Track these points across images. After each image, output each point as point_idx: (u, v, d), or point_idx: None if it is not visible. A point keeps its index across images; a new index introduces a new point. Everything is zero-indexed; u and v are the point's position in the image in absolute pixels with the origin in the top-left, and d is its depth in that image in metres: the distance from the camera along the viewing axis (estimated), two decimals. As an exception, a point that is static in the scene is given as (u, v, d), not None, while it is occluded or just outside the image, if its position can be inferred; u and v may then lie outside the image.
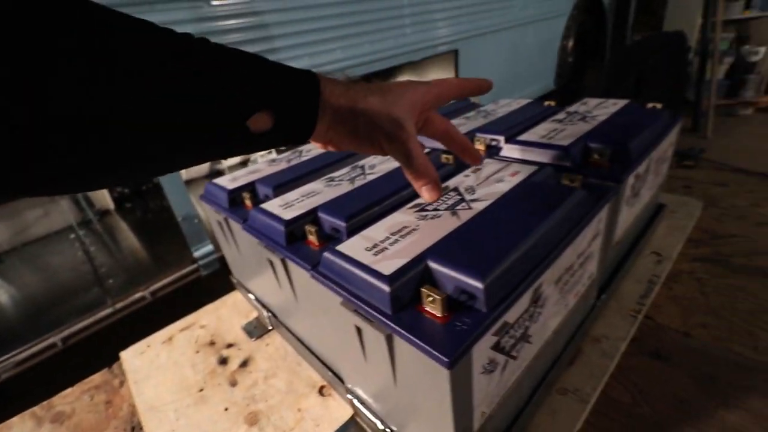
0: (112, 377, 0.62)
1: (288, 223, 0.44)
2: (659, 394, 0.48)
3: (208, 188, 0.62)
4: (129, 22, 0.23)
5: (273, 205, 0.48)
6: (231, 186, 0.58)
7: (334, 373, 0.49)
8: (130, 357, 0.64)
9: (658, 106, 0.62)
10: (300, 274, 0.42)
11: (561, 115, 0.63)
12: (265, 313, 0.63)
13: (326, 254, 0.37)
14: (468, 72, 2.05)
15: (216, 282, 1.11)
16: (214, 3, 1.08)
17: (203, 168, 1.89)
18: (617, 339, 0.52)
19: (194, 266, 1.37)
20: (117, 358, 0.65)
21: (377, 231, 0.38)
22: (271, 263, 0.47)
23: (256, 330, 0.65)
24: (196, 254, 1.35)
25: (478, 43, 2.08)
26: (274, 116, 0.27)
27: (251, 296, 0.67)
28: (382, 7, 1.56)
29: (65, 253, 1.58)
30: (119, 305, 1.25)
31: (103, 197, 1.83)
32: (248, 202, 0.55)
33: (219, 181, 0.61)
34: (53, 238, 1.70)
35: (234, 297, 0.75)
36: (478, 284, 0.29)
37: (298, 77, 0.29)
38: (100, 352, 0.84)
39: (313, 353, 0.54)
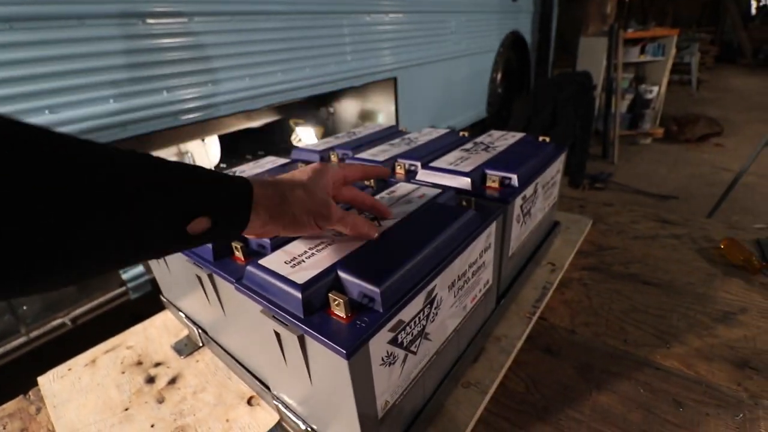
0: (28, 404, 0.59)
1: (216, 241, 0.47)
2: (548, 382, 0.56)
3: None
4: (71, 144, 0.24)
5: (202, 224, 0.51)
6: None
7: (262, 383, 0.52)
8: (48, 381, 0.62)
9: (547, 139, 0.73)
10: (226, 287, 0.45)
11: (469, 145, 0.72)
12: (196, 330, 0.64)
13: (249, 267, 0.41)
14: (406, 97, 2.19)
15: (145, 306, 1.08)
16: (150, 21, 1.08)
17: None
18: (514, 337, 0.60)
19: (122, 289, 1.30)
20: (34, 384, 0.62)
21: (297, 246, 0.43)
22: (200, 279, 0.50)
23: (186, 348, 0.66)
24: (125, 276, 1.29)
25: (416, 71, 2.23)
26: (212, 220, 0.31)
27: (182, 314, 0.68)
28: (322, 34, 1.63)
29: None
30: (34, 333, 1.16)
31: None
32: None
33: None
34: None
35: (163, 317, 0.75)
36: (375, 288, 0.34)
37: (233, 185, 0.33)
38: (14, 380, 0.78)
39: (242, 365, 0.56)
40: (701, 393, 0.53)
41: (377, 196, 0.54)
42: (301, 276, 0.37)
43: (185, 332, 0.69)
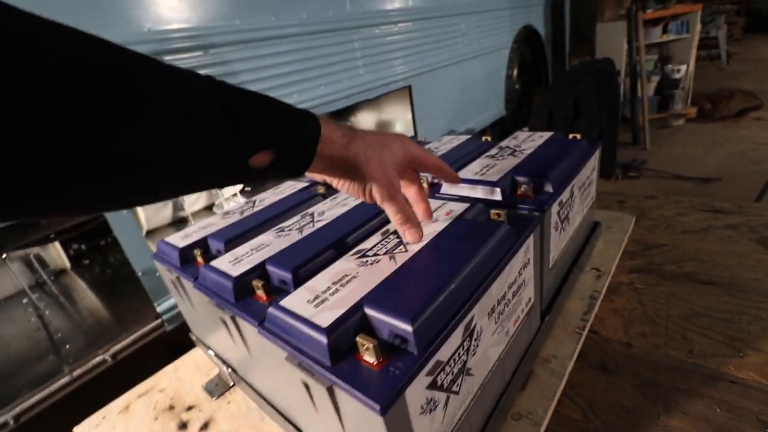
0: (63, 457, 0.59)
1: (236, 280, 0.45)
2: (607, 405, 0.51)
3: (160, 247, 0.62)
4: (154, 65, 0.25)
5: (222, 262, 0.49)
6: (182, 244, 0.58)
7: (295, 426, 0.49)
8: (84, 431, 0.61)
9: (578, 136, 0.68)
10: (250, 330, 0.43)
11: (494, 151, 0.68)
12: (225, 369, 0.63)
13: (270, 310, 0.38)
14: (422, 104, 2.16)
15: (183, 336, 1.08)
16: (167, 58, 1.10)
17: (165, 216, 1.86)
18: (564, 357, 0.55)
19: (158, 321, 1.32)
20: (70, 433, 0.62)
21: (320, 282, 0.40)
22: (223, 320, 0.48)
23: (217, 388, 0.64)
24: (160, 309, 1.31)
25: (429, 78, 2.20)
26: (274, 156, 0.31)
27: (211, 352, 0.66)
28: (334, 51, 1.63)
29: (17, 320, 1.49)
30: (77, 372, 1.18)
31: (58, 256, 1.76)
32: (200, 259, 0.55)
33: (170, 239, 0.62)
34: (4, 305, 1.60)
35: (194, 355, 0.74)
36: (407, 327, 0.31)
37: (302, 123, 0.33)
38: (56, 426, 0.78)
39: (273, 407, 0.53)
40: (792, 410, 0.46)
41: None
42: (326, 317, 0.34)
43: (216, 370, 0.68)
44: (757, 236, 0.74)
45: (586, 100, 2.11)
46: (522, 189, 0.54)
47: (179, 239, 0.60)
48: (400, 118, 2.28)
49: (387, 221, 0.52)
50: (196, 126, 0.26)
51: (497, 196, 0.54)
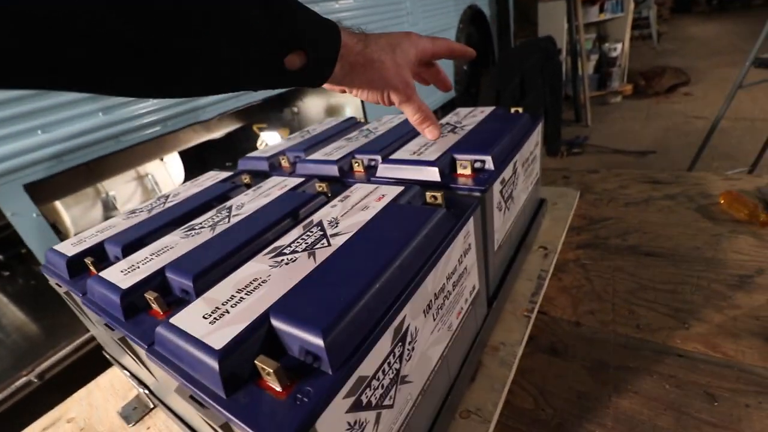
0: None
1: (125, 294, 0.37)
2: (559, 391, 0.48)
3: (48, 257, 0.52)
4: None
5: (114, 271, 0.41)
6: (72, 251, 0.49)
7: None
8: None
9: (520, 110, 0.64)
10: (142, 353, 0.35)
11: (434, 128, 0.63)
12: (143, 391, 0.54)
13: (158, 329, 0.31)
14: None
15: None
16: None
17: (95, 218, 1.70)
18: (514, 343, 0.52)
19: (90, 334, 1.18)
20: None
21: (223, 289, 0.33)
22: (116, 342, 0.40)
23: (135, 412, 0.56)
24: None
25: (376, 59, 2.12)
26: (306, 57, 0.33)
27: (126, 372, 0.57)
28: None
29: (-71, 341, 1.29)
30: (-1, 396, 1.03)
31: (-26, 269, 1.54)
32: (93, 269, 0.46)
33: (60, 246, 0.51)
34: None
35: (111, 374, 0.64)
36: (318, 341, 0.25)
37: (327, 27, 0.35)
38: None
39: (195, 432, 0.46)
40: (735, 380, 0.45)
41: (328, 205, 0.44)
42: (221, 336, 0.27)
43: (134, 392, 0.59)
44: (694, 205, 0.75)
45: (531, 79, 2.13)
46: (461, 168, 0.49)
47: (70, 246, 0.51)
48: (350, 102, 2.20)
49: (314, 211, 0.45)
50: (238, 21, 0.28)
51: (435, 176, 0.49)
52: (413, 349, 0.33)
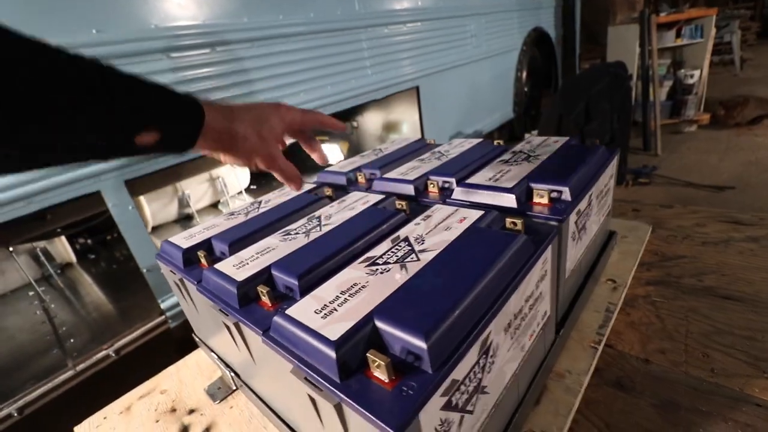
0: (61, 459, 0.57)
1: (240, 285, 0.43)
2: (625, 426, 0.48)
3: (164, 247, 0.61)
4: (39, 48, 0.27)
5: (226, 265, 0.48)
6: (186, 245, 0.57)
7: (299, 436, 0.47)
8: (84, 431, 0.60)
9: (597, 142, 0.66)
10: (254, 338, 0.41)
11: (507, 156, 0.66)
12: (228, 373, 0.61)
13: (276, 318, 0.36)
14: (430, 105, 2.14)
15: (187, 333, 1.08)
16: (174, 55, 1.09)
17: (171, 213, 1.87)
18: (580, 372, 0.52)
19: (162, 318, 1.31)
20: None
21: (328, 290, 0.38)
22: (227, 326, 0.46)
23: (219, 392, 0.63)
24: (164, 305, 1.30)
25: (438, 79, 2.18)
26: (160, 135, 0.34)
27: (214, 355, 0.65)
28: (341, 50, 1.62)
29: (23, 312, 1.49)
30: (81, 367, 1.18)
31: (65, 250, 1.76)
32: (204, 261, 0.54)
33: (174, 239, 0.60)
34: (10, 298, 1.61)
35: (197, 356, 0.72)
36: (422, 343, 0.29)
37: (186, 106, 0.37)
38: (58, 421, 0.77)
39: (278, 416, 0.51)
40: (823, 437, 0.43)
41: (411, 223, 0.49)
42: (334, 330, 0.32)
43: (218, 373, 0.66)
44: (780, 249, 0.71)
45: (598, 104, 2.08)
46: (538, 197, 0.52)
47: (183, 240, 0.59)
48: (407, 119, 2.26)
49: (397, 227, 0.50)
50: (84, 110, 0.29)
51: (512, 203, 0.52)
52: (493, 362, 0.36)
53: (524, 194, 0.54)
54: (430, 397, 0.28)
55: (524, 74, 3.00)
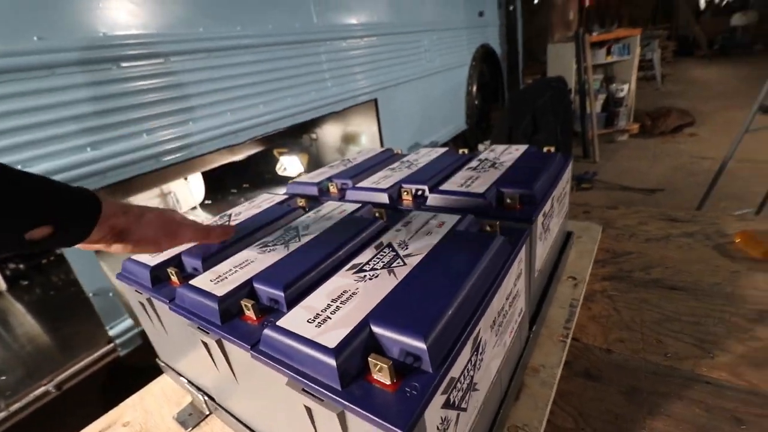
0: None
1: (221, 300, 0.42)
2: (597, 413, 0.52)
3: (127, 266, 0.57)
4: None
5: (203, 281, 0.46)
6: (153, 262, 0.54)
7: (285, 454, 0.46)
8: (32, 480, 0.54)
9: (552, 149, 0.71)
10: (239, 353, 0.40)
11: (474, 163, 0.69)
12: (201, 397, 0.58)
13: (266, 331, 0.35)
14: (388, 117, 2.18)
15: (140, 361, 1.01)
16: (124, 65, 1.04)
17: None
18: (553, 366, 0.55)
19: (110, 346, 1.21)
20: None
21: (318, 299, 0.38)
22: (206, 344, 0.44)
23: (191, 418, 0.59)
24: (113, 332, 1.20)
25: (395, 91, 2.23)
26: (53, 230, 0.34)
27: (183, 379, 0.61)
28: (301, 63, 1.62)
29: (-55, 349, 1.32)
30: (15, 407, 1.05)
31: (-7, 277, 1.58)
32: (175, 279, 0.51)
33: (138, 257, 0.56)
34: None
35: (161, 382, 0.68)
36: (422, 345, 0.30)
37: (82, 202, 0.37)
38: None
39: (259, 435, 0.50)
40: (760, 406, 0.49)
41: (392, 229, 0.50)
42: (331, 337, 0.32)
43: (188, 399, 0.62)
44: (712, 243, 0.80)
45: (543, 117, 2.23)
46: (508, 200, 0.55)
47: (149, 257, 0.56)
48: (365, 131, 2.29)
49: (377, 234, 0.51)
50: None
51: (483, 206, 0.55)
52: (482, 359, 0.38)
53: (495, 198, 0.57)
54: (433, 395, 0.28)
55: (474, 88, 3.16)
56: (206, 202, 2.14)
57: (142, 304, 0.55)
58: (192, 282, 0.46)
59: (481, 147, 3.34)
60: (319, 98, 1.73)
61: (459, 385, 0.33)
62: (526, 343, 0.55)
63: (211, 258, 0.52)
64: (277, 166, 2.38)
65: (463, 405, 0.35)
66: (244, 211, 0.68)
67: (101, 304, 1.15)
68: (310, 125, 2.43)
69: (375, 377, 0.30)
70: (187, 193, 2.01)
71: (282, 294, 0.41)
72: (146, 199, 1.82)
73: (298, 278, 0.42)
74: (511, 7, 3.87)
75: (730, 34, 6.70)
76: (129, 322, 1.22)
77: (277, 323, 0.35)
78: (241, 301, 0.41)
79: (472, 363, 0.35)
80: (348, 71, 1.87)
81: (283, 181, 2.38)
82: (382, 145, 2.21)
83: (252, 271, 0.46)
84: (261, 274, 0.44)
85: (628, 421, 0.50)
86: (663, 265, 0.76)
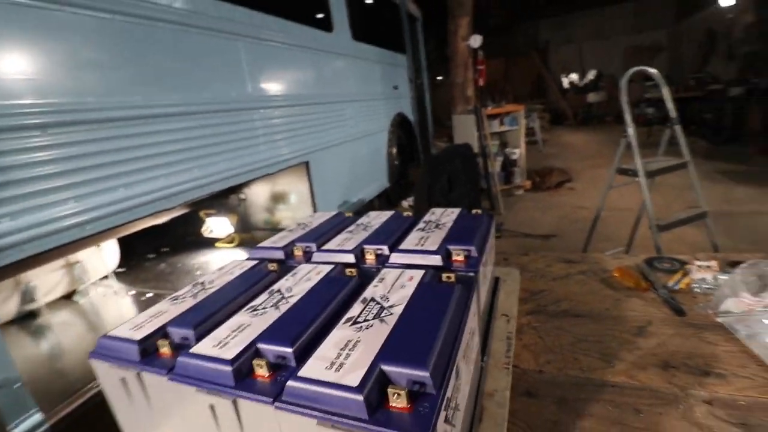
0: None
1: (233, 362, 0.46)
2: (539, 422, 0.64)
3: (105, 343, 0.57)
4: None
5: (205, 347, 0.50)
6: (138, 335, 0.55)
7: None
8: None
9: (479, 211, 0.88)
10: (256, 410, 0.44)
11: (421, 225, 0.83)
12: (181, 472, 0.57)
13: (291, 383, 0.42)
14: (319, 178, 2.31)
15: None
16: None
17: (8, 311, 1.55)
18: (503, 389, 0.67)
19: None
20: None
21: (327, 350, 0.45)
22: (212, 408, 0.47)
23: (170, 497, 0.57)
24: (18, 430, 1.04)
25: (324, 154, 2.40)
26: None
27: (158, 458, 0.59)
28: (237, 129, 1.70)
29: None
30: None
31: None
32: (166, 350, 0.53)
33: (118, 332, 0.57)
34: None
35: (126, 468, 0.64)
36: (425, 373, 0.39)
37: None
38: None
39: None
40: (649, 397, 0.66)
41: (370, 286, 0.59)
42: (353, 378, 0.39)
43: (163, 478, 0.60)
44: (598, 277, 1.03)
45: (457, 177, 2.57)
46: (456, 255, 0.69)
47: (130, 331, 0.57)
48: (293, 190, 2.38)
49: (357, 290, 0.60)
50: None
51: (438, 262, 0.68)
52: (460, 384, 0.48)
53: (445, 254, 0.70)
54: (440, 410, 0.38)
55: (394, 150, 3.50)
56: (119, 269, 1.98)
57: (123, 380, 0.55)
58: (194, 350, 0.50)
59: (404, 203, 3.63)
60: (253, 162, 1.80)
61: (452, 403, 0.43)
62: (481, 372, 0.66)
63: (201, 325, 0.56)
64: (203, 228, 2.31)
65: (454, 421, 0.44)
66: (216, 278, 0.72)
67: (5, 399, 1.00)
68: (238, 186, 2.44)
69: (393, 404, 0.38)
70: (97, 261, 1.85)
71: (290, 350, 0.47)
72: (46, 271, 1.64)
73: (301, 334, 0.49)
74: (419, 82, 4.46)
75: (588, 108, 8.39)
76: (38, 416, 1.07)
77: (299, 374, 0.42)
78: (253, 361, 0.46)
79: (456, 386, 0.45)
80: (281, 136, 1.99)
81: (208, 243, 2.31)
82: (314, 203, 2.31)
83: (252, 333, 0.51)
84: (264, 335, 0.50)
85: (564, 425, 0.63)
86: (568, 299, 0.96)
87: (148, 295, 1.73)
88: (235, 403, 0.46)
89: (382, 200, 3.49)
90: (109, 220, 1.20)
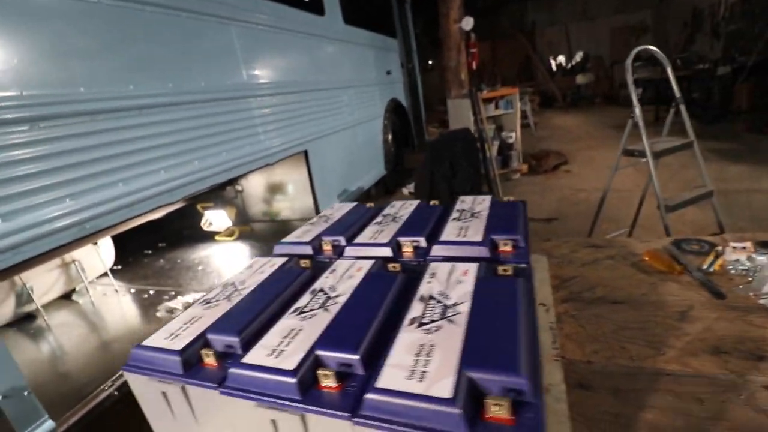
0: None
1: (295, 372, 0.42)
2: (600, 416, 0.62)
3: (139, 354, 0.52)
4: None
5: (258, 356, 0.45)
6: (178, 345, 0.50)
7: None
8: None
9: (512, 198, 0.84)
10: (327, 426, 0.40)
11: (456, 214, 0.79)
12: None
13: (369, 395, 0.38)
14: (318, 167, 2.25)
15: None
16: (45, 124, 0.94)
17: (5, 314, 1.49)
18: (558, 383, 0.64)
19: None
20: None
21: (401, 357, 0.41)
22: (275, 424, 0.43)
23: None
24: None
25: (323, 143, 2.33)
26: None
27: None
28: (235, 119, 1.63)
29: None
30: None
31: None
32: (211, 360, 0.48)
33: (152, 342, 0.52)
34: None
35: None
36: (522, 380, 0.35)
37: None
38: None
39: None
40: (708, 384, 0.64)
41: (425, 282, 0.55)
42: (441, 388, 0.36)
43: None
44: (628, 262, 1.01)
45: (459, 163, 2.53)
46: (503, 246, 0.65)
47: (167, 341, 0.52)
48: (291, 180, 2.33)
49: (407, 285, 0.56)
50: None
51: (485, 253, 0.64)
52: (541, 385, 0.44)
53: (490, 245, 0.66)
54: (544, 420, 0.34)
55: (390, 136, 3.43)
56: (116, 267, 1.92)
57: (165, 395, 0.50)
58: (247, 360, 0.45)
59: (405, 191, 3.59)
60: (253, 152, 1.74)
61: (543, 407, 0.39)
62: (536, 367, 0.63)
63: (244, 332, 0.51)
64: (203, 221, 2.24)
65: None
66: (246, 278, 0.67)
67: (15, 408, 0.94)
68: (236, 177, 2.37)
69: (492, 415, 0.35)
70: (95, 259, 1.78)
71: (357, 357, 0.43)
72: (42, 271, 1.57)
73: (364, 339, 0.45)
74: (410, 65, 4.38)
75: (577, 90, 8.38)
76: (50, 424, 1.02)
77: (377, 385, 0.38)
78: (317, 371, 0.42)
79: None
80: (279, 125, 1.92)
81: (206, 237, 2.24)
82: (314, 193, 2.25)
83: (307, 339, 0.47)
84: (323, 341, 0.46)
85: (625, 417, 0.60)
86: (602, 285, 0.94)
87: (150, 293, 1.67)
88: (303, 418, 0.41)
89: (379, 188, 3.44)
90: (110, 217, 1.14)
